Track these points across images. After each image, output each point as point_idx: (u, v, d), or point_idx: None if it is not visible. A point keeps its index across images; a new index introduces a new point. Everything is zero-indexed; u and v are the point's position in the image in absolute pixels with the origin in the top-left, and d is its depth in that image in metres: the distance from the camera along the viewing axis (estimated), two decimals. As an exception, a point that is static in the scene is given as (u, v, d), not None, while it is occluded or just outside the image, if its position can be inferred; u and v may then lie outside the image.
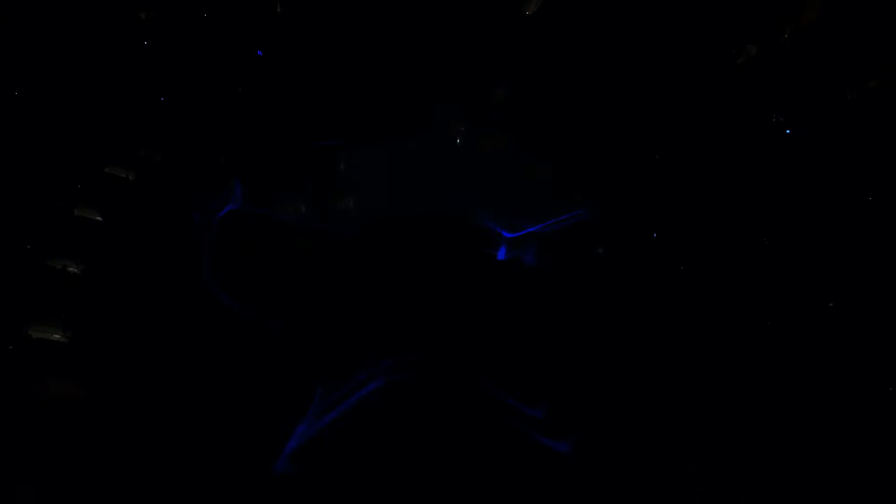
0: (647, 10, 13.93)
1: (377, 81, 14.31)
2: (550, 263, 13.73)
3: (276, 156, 13.94)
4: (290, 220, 13.87)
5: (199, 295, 12.63)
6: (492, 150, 14.32)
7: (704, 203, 13.53)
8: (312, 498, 10.68)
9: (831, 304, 12.51)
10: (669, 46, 13.92)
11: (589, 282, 13.52)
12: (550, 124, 14.20)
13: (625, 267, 13.55)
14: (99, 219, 12.66)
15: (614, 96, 14.08)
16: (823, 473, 10.96)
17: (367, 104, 14.27)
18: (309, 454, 11.16)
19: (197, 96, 13.57)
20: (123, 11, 13.12)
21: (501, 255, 13.79)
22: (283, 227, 13.77)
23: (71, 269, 12.15)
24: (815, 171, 13.13)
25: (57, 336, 11.55)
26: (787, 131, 13.22)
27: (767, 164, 13.36)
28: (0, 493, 9.69)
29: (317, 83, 14.25)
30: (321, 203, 14.18)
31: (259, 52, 13.84)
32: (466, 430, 11.79)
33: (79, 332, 11.66)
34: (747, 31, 13.56)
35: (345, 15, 14.20)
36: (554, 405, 12.20)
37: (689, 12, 13.76)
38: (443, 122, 14.48)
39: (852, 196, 12.90)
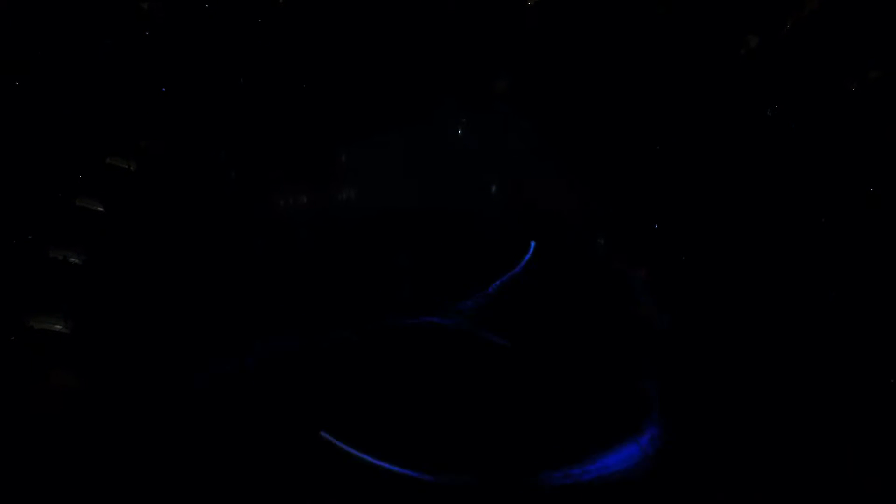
0: (648, 1, 13.96)
1: (379, 73, 14.32)
2: (553, 253, 13.74)
3: (278, 147, 13.95)
4: (291, 211, 13.89)
5: (200, 285, 12.61)
6: (493, 141, 14.35)
7: (706, 193, 13.52)
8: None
9: (833, 294, 12.49)
10: (671, 38, 13.93)
11: (590, 272, 13.52)
12: (552, 115, 14.19)
13: (626, 257, 13.55)
14: (100, 209, 12.64)
15: (616, 87, 14.09)
16: (823, 462, 10.92)
17: (369, 96, 14.29)
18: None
19: (198, 87, 13.57)
20: (125, 2, 13.14)
21: (502, 244, 13.79)
22: (283, 219, 13.81)
23: (72, 259, 12.12)
24: (817, 162, 13.13)
25: (58, 326, 11.51)
26: (793, 126, 13.21)
27: (769, 154, 13.36)
28: (2, 484, 9.65)
29: (319, 75, 14.26)
30: (322, 194, 14.18)
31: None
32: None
33: (80, 323, 11.61)
34: (749, 23, 13.58)
35: (347, 6, 14.22)
36: (554, 395, 12.17)
37: (690, 4, 13.78)
38: (445, 113, 14.49)
39: (854, 186, 12.90)
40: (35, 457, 10.01)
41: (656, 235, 13.64)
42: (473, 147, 14.72)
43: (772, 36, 13.51)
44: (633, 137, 14.11)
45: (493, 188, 14.46)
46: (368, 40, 14.43)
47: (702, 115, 13.93)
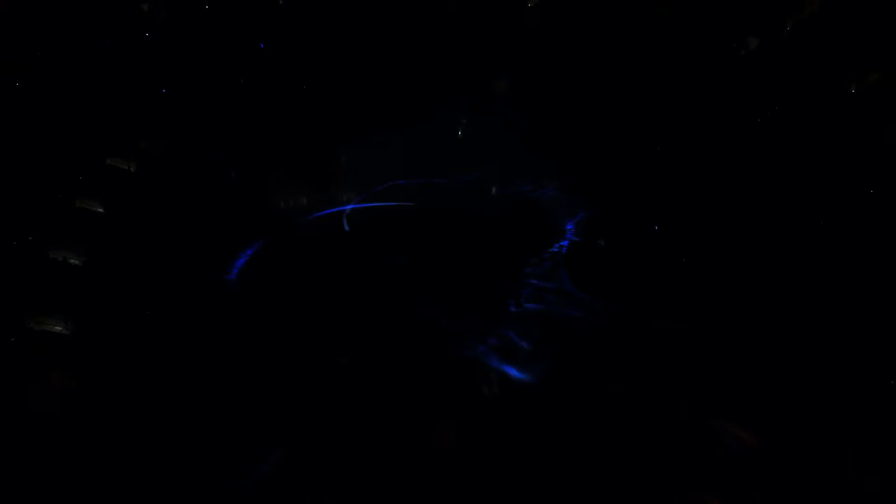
0: (648, 2, 13.98)
1: (379, 74, 14.33)
2: (553, 255, 13.76)
3: (278, 148, 13.96)
4: (292, 211, 13.91)
5: (200, 286, 12.63)
6: (494, 142, 14.37)
7: (706, 195, 13.55)
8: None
9: (832, 294, 12.52)
10: (671, 39, 13.96)
11: (592, 273, 13.54)
12: (553, 116, 14.22)
13: (627, 259, 13.57)
14: (100, 210, 12.62)
15: (616, 89, 14.11)
16: (824, 465, 10.94)
17: (369, 97, 14.30)
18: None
19: (198, 88, 13.56)
20: (125, 3, 13.13)
21: (503, 244, 13.80)
22: (284, 219, 13.83)
23: (72, 260, 12.11)
24: (817, 163, 13.17)
25: (58, 328, 11.51)
26: (793, 127, 13.25)
27: (769, 156, 13.40)
28: (2, 487, 9.65)
29: (319, 76, 14.27)
30: (321, 195, 14.20)
31: (261, 45, 13.81)
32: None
33: (80, 324, 11.62)
34: (749, 24, 13.61)
35: (347, 7, 14.23)
36: (555, 399, 12.18)
37: (691, 5, 13.80)
38: (445, 113, 14.51)
39: (853, 187, 12.95)
40: (35, 458, 10.01)
41: (657, 236, 13.68)
42: (473, 147, 14.72)
43: (772, 37, 13.54)
44: (634, 138, 14.13)
45: (494, 189, 14.49)
46: (368, 41, 14.41)
47: (702, 116, 13.94)
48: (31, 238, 11.98)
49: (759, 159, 13.64)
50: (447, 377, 11.97)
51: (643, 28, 14.20)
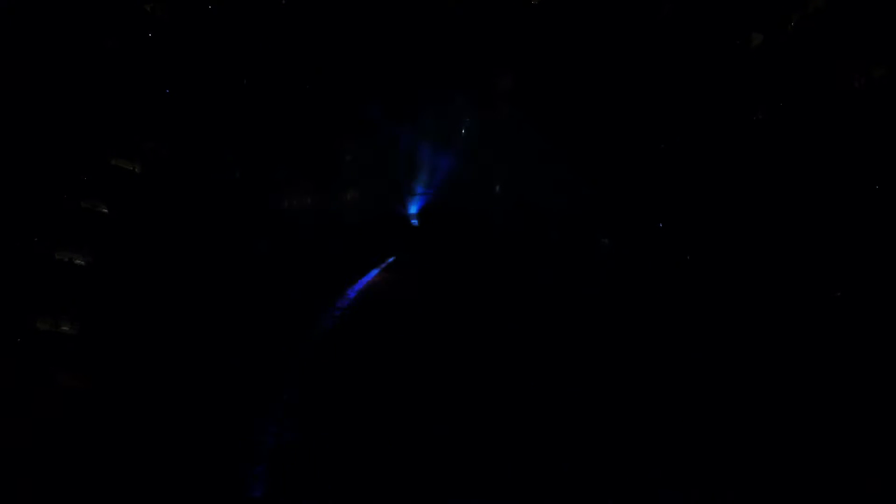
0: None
1: (382, 73, 14.33)
2: (557, 252, 13.79)
3: (282, 149, 14.01)
4: (296, 211, 13.98)
5: (205, 286, 12.71)
6: (498, 140, 14.38)
7: (710, 192, 13.52)
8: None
9: (838, 294, 12.47)
10: (674, 36, 13.89)
11: (595, 272, 13.57)
12: (556, 113, 14.20)
13: (631, 257, 13.58)
14: (105, 211, 12.68)
15: (619, 86, 14.07)
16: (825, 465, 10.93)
17: (372, 96, 14.32)
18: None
19: (202, 89, 13.59)
20: (129, 4, 13.12)
21: (507, 243, 13.83)
22: (288, 219, 13.91)
23: (77, 261, 12.18)
24: (821, 159, 13.09)
25: (65, 328, 11.59)
26: (797, 123, 13.17)
27: (773, 153, 13.33)
28: (5, 487, 9.74)
29: (321, 76, 14.28)
30: (325, 195, 14.26)
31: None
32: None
33: (86, 324, 11.69)
34: (753, 20, 13.52)
35: (350, 6, 14.21)
36: (555, 393, 12.23)
37: (694, 2, 13.73)
38: (449, 111, 14.52)
39: (859, 183, 12.86)
40: (39, 460, 10.10)
41: (660, 234, 13.68)
42: (476, 146, 14.75)
43: (776, 33, 13.45)
44: (638, 136, 14.10)
45: (497, 188, 14.53)
46: (370, 40, 14.42)
47: (706, 112, 13.90)
48: (35, 239, 12.05)
49: (763, 156, 13.58)
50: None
51: (646, 25, 14.13)
